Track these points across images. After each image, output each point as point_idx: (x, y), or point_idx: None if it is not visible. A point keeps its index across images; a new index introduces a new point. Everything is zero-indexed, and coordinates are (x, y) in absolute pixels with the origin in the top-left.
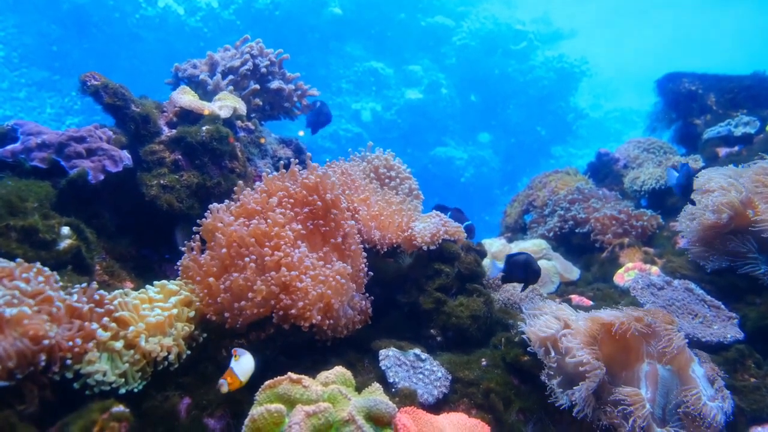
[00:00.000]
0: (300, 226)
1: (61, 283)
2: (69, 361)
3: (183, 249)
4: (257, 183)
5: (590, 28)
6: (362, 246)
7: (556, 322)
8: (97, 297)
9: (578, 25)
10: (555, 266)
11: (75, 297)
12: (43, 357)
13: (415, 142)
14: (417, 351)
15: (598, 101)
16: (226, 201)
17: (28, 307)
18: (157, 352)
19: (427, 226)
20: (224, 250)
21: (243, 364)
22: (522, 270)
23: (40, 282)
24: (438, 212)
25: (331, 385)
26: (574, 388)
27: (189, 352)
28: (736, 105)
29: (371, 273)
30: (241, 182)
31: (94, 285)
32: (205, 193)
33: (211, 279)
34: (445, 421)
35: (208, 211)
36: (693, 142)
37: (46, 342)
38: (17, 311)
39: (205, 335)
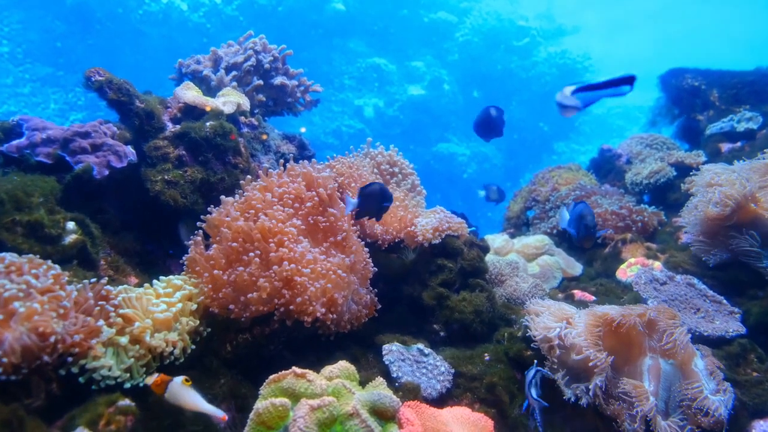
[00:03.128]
0: (300, 222)
1: (66, 279)
2: (72, 358)
3: (188, 244)
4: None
5: (593, 24)
6: (365, 240)
7: (559, 320)
8: (104, 293)
9: (581, 21)
10: (558, 262)
11: (82, 293)
12: (49, 352)
13: (418, 139)
14: (420, 346)
15: None
16: (237, 195)
17: (39, 303)
18: (162, 347)
19: (430, 222)
20: (233, 244)
21: (183, 393)
22: (375, 201)
23: (50, 277)
24: (442, 208)
25: (335, 380)
26: (582, 384)
27: (194, 346)
28: (739, 101)
29: (376, 269)
30: (249, 177)
31: (104, 281)
32: (208, 189)
33: (217, 272)
34: (449, 415)
35: (213, 206)
36: (696, 137)
37: (52, 338)
38: (28, 307)
39: (209, 330)
